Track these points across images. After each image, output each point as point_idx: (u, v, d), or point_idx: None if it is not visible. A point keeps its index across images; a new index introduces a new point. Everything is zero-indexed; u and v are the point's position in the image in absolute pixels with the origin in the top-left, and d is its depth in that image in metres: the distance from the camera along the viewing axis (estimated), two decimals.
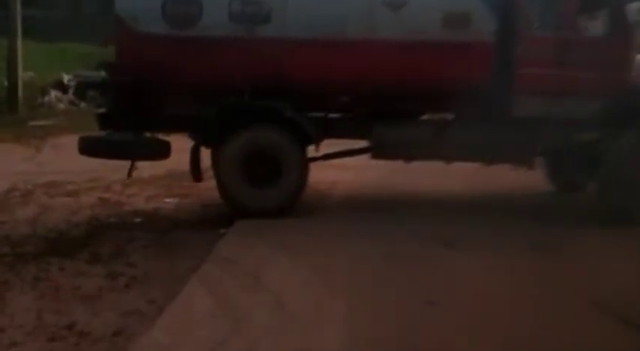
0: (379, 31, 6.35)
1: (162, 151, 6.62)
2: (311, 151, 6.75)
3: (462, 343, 4.02)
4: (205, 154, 6.75)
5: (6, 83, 12.81)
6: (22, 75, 12.91)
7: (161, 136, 6.79)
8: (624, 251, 5.66)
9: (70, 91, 14.13)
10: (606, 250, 5.71)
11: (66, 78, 14.36)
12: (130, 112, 6.42)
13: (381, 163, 9.19)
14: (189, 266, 5.17)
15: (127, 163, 8.79)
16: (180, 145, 10.51)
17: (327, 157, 6.97)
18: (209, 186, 7.81)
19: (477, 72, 6.32)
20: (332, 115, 6.93)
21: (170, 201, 7.11)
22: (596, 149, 6.60)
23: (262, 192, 6.45)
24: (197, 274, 4.99)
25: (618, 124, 6.45)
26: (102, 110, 6.86)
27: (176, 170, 8.54)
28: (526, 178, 7.53)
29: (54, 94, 13.77)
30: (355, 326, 4.21)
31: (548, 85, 6.34)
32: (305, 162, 6.62)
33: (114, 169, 8.53)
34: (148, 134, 6.68)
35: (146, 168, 8.59)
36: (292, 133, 6.44)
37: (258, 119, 6.43)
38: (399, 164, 9.01)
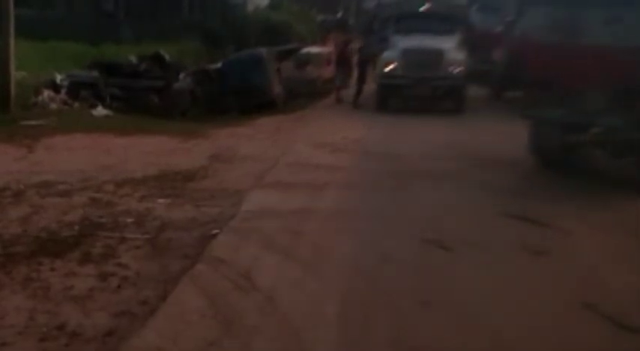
0: None
1: None
2: None
3: (455, 344, 4.04)
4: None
5: None
6: (15, 74, 12.86)
7: None
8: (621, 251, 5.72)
9: (63, 91, 14.07)
10: (601, 251, 5.76)
11: (59, 77, 14.29)
12: None
13: (375, 165, 9.24)
14: (181, 267, 5.17)
15: (117, 164, 8.82)
16: (175, 145, 10.53)
17: None
18: (201, 186, 7.82)
19: None
20: None
21: (162, 201, 7.10)
22: None
23: None
24: (189, 274, 4.99)
25: None
26: None
27: (169, 170, 8.53)
28: None
29: (46, 93, 13.69)
30: (347, 327, 4.23)
31: None
32: None
33: (106, 168, 8.54)
34: None
35: (138, 168, 8.60)
36: None
37: None
38: (396, 165, 9.09)
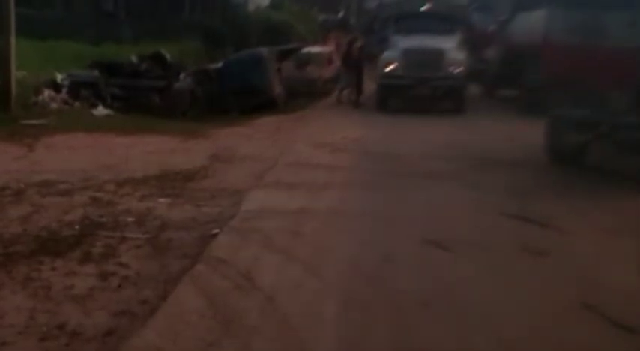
0: None
1: None
2: None
3: (455, 344, 4.05)
4: None
5: None
6: (16, 74, 12.86)
7: None
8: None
9: (64, 91, 14.08)
10: (601, 252, 5.75)
11: (59, 77, 14.30)
12: None
13: (374, 165, 9.24)
14: (181, 266, 5.17)
15: (117, 164, 8.83)
16: (175, 145, 10.53)
17: None
18: (202, 186, 7.83)
19: None
20: None
21: (163, 201, 7.10)
22: None
23: None
24: (189, 274, 5.00)
25: None
26: None
27: (169, 170, 8.54)
28: None
29: (47, 93, 13.69)
30: (347, 327, 4.23)
31: None
32: None
33: (106, 168, 8.55)
34: None
35: (139, 168, 8.61)
36: None
37: None
38: (396, 165, 9.10)
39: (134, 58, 16.53)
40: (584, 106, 8.68)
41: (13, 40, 12.70)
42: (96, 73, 15.04)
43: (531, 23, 15.28)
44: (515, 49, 16.15)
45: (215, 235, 5.92)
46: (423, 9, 17.46)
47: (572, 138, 8.88)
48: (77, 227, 6.12)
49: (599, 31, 8.60)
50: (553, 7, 9.67)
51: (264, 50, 16.85)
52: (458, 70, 15.00)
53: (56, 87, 13.98)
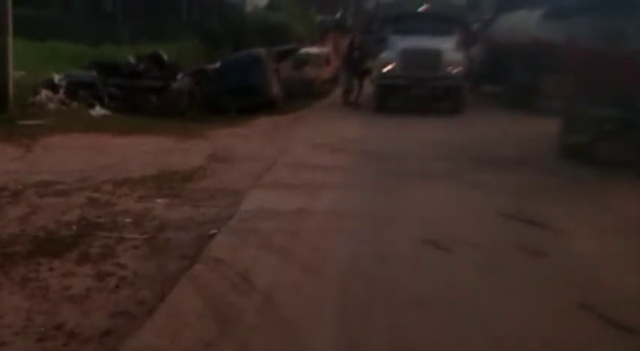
0: None
1: None
2: None
3: (452, 345, 4.05)
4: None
5: None
6: (13, 74, 12.83)
7: None
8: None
9: (61, 91, 14.04)
10: (600, 252, 5.75)
11: (57, 77, 14.27)
12: None
13: (373, 165, 9.25)
14: (179, 267, 5.17)
15: (115, 164, 8.82)
16: (173, 145, 10.52)
17: None
18: (200, 186, 7.82)
19: None
20: None
21: (161, 201, 7.09)
22: None
23: None
24: (187, 274, 4.99)
25: None
26: None
27: (167, 170, 8.53)
28: None
29: (45, 93, 13.66)
30: (346, 328, 4.23)
31: None
32: None
33: (104, 168, 8.54)
34: None
35: (137, 168, 8.60)
36: None
37: None
38: (394, 165, 9.10)
39: (132, 59, 16.51)
40: (603, 105, 9.04)
41: (10, 40, 12.68)
42: (93, 73, 15.02)
43: (516, 23, 15.54)
44: (499, 47, 16.39)
45: (213, 236, 5.91)
46: (420, 9, 17.48)
47: (587, 136, 9.26)
48: (75, 228, 6.11)
49: (620, 35, 8.96)
50: (578, 14, 10.17)
51: (262, 50, 16.83)
52: (456, 71, 15.02)
53: (54, 87, 13.95)
